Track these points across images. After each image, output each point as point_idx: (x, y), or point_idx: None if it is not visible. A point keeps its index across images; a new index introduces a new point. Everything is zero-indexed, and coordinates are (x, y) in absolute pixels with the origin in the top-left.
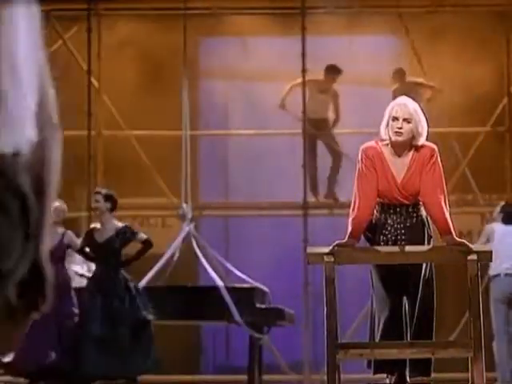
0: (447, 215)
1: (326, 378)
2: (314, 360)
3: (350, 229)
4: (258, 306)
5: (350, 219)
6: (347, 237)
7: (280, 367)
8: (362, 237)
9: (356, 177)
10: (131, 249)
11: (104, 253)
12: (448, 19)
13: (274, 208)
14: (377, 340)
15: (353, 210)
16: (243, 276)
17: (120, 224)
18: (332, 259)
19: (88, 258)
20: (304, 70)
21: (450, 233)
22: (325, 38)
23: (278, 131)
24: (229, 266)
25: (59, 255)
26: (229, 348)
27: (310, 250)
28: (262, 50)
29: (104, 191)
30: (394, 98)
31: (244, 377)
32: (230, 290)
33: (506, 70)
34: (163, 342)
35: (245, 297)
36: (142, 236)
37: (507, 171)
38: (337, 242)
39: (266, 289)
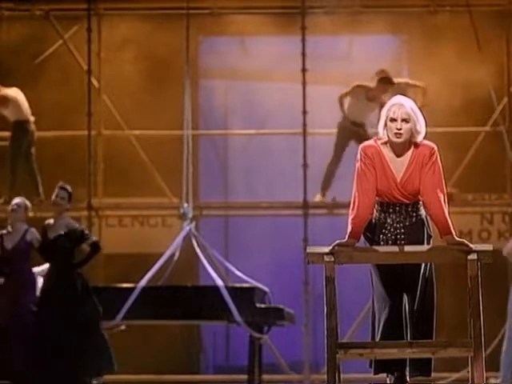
0: (447, 215)
1: (326, 377)
2: (314, 360)
3: (349, 228)
4: (257, 305)
5: (350, 218)
6: (347, 236)
7: (280, 367)
8: (362, 236)
9: (355, 176)
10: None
11: (54, 250)
12: (448, 19)
13: (273, 208)
14: (377, 340)
15: (352, 209)
16: (243, 276)
17: (73, 224)
18: (332, 259)
19: (44, 256)
20: (304, 70)
21: (450, 232)
22: (325, 38)
23: (277, 131)
24: (229, 265)
25: (22, 252)
26: (229, 348)
27: (310, 249)
28: (262, 49)
29: (69, 189)
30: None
31: (244, 377)
32: (230, 289)
33: (506, 69)
34: (163, 342)
35: (245, 296)
36: (91, 239)
37: (507, 171)
38: (337, 241)
39: (265, 288)
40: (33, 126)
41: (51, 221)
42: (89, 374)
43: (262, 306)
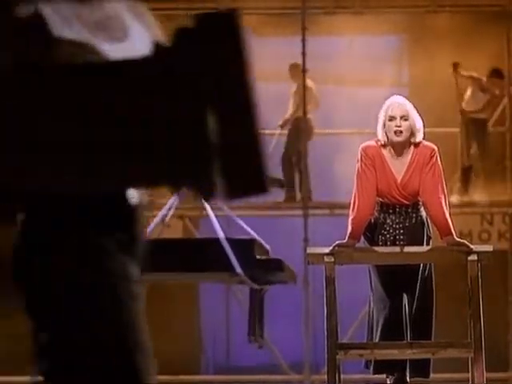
0: (447, 215)
1: (326, 378)
2: (315, 360)
3: (350, 229)
4: (258, 257)
5: (350, 219)
6: (347, 237)
7: (280, 368)
8: (362, 236)
9: (355, 176)
10: None
11: None
12: (448, 19)
13: (273, 208)
14: (376, 340)
15: (352, 209)
16: (249, 229)
17: None
18: (332, 259)
19: None
20: (304, 70)
21: (451, 233)
22: (325, 38)
23: (277, 131)
24: (234, 217)
25: None
26: (229, 348)
27: (310, 250)
28: (262, 49)
29: None
30: (298, 97)
31: (244, 377)
32: (231, 241)
33: (506, 70)
34: (163, 341)
35: (245, 248)
36: None
37: (507, 171)
38: (337, 242)
39: (267, 246)
40: None
41: None
42: None
43: (263, 257)
